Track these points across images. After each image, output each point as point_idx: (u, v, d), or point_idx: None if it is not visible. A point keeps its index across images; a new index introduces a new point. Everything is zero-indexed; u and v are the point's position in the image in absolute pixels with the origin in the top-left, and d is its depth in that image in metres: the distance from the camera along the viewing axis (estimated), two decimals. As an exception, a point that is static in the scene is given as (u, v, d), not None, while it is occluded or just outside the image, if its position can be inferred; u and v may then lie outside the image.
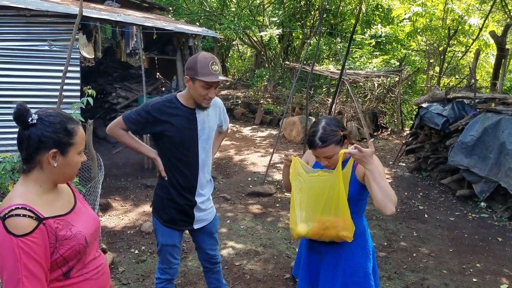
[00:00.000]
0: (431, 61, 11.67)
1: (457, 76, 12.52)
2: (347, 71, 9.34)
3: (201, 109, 2.30)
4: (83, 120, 3.65)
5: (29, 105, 1.38)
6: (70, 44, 3.87)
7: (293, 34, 14.57)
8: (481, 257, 4.19)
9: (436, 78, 10.62)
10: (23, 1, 5.46)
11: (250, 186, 6.13)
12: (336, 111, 9.82)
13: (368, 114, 10.12)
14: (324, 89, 12.16)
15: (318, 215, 1.97)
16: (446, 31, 11.38)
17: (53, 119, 1.40)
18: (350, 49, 9.33)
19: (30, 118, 1.36)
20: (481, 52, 10.60)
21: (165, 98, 2.31)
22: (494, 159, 5.19)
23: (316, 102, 11.26)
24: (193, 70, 2.15)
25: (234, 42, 18.21)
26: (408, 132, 8.50)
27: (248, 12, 14.33)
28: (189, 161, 2.34)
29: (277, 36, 14.24)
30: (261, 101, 12.93)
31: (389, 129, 10.49)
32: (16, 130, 1.42)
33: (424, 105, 6.75)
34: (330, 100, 9.28)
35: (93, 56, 11.59)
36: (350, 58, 10.97)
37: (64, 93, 4.04)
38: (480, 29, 10.59)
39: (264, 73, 14.01)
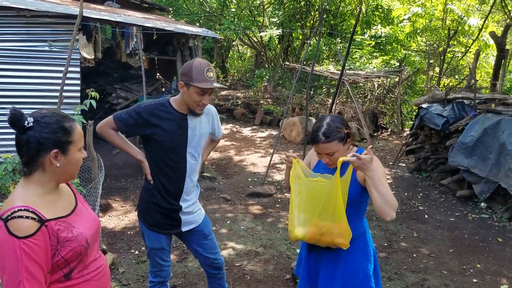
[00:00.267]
0: (431, 61, 11.67)
1: (457, 77, 12.52)
2: (347, 71, 9.34)
3: (194, 115, 2.27)
4: (85, 122, 3.65)
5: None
6: (70, 44, 3.88)
7: (293, 35, 14.56)
8: (481, 257, 4.20)
9: (436, 79, 10.63)
10: (23, 1, 5.46)
11: (250, 187, 6.13)
12: (336, 112, 9.81)
13: (368, 115, 10.12)
14: (324, 90, 12.16)
15: (315, 219, 1.96)
16: (446, 32, 11.38)
17: (49, 119, 1.38)
18: (350, 50, 9.32)
19: (26, 122, 1.35)
20: (481, 53, 10.59)
21: (158, 102, 2.28)
22: (494, 159, 5.20)
23: (316, 102, 11.26)
24: (188, 76, 2.13)
25: (234, 43, 18.22)
26: (408, 132, 8.50)
27: (248, 12, 14.33)
28: (177, 167, 2.31)
29: (277, 37, 14.25)
30: (261, 102, 12.92)
31: (389, 130, 10.49)
32: (17, 130, 1.41)
33: (424, 105, 6.75)
34: (330, 100, 9.29)
35: (93, 57, 11.57)
36: (350, 59, 10.97)
37: (64, 94, 4.04)
38: (480, 30, 10.58)
39: (264, 73, 14.01)
